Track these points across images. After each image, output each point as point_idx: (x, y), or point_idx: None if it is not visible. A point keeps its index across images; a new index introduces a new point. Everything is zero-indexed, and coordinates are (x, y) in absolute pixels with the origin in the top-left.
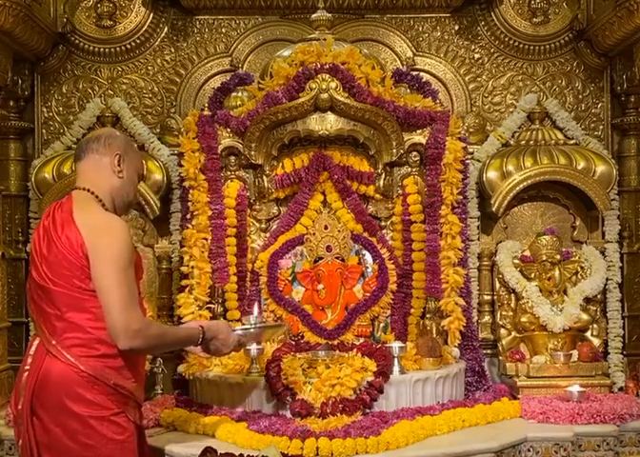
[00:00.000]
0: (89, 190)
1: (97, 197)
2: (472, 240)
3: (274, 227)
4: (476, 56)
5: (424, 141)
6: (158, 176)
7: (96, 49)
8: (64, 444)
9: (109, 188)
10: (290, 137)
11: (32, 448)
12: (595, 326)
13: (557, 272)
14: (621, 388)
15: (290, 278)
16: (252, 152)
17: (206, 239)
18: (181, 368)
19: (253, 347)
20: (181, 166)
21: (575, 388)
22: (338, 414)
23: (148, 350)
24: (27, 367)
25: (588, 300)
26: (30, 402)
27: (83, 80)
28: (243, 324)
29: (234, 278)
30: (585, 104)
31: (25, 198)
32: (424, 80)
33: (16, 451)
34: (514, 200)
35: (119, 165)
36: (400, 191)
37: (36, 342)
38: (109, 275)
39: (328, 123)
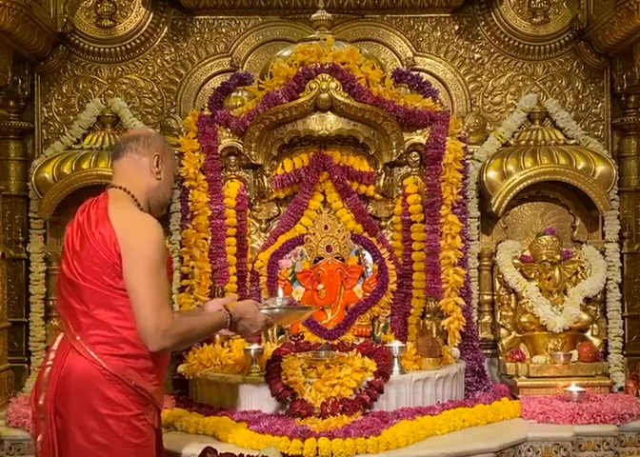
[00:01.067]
0: (125, 190)
1: (133, 196)
2: (472, 240)
3: (274, 227)
4: (476, 56)
5: (424, 141)
6: None
7: (96, 49)
8: (79, 442)
9: (145, 188)
10: (289, 137)
11: (54, 445)
12: (595, 326)
13: (557, 272)
14: (621, 388)
15: (290, 278)
16: (252, 152)
17: (206, 239)
18: (181, 368)
19: (253, 347)
20: (181, 166)
21: (575, 388)
22: (338, 414)
23: (178, 346)
24: (49, 363)
25: (588, 300)
26: (53, 398)
27: (83, 80)
28: (268, 305)
29: (234, 278)
30: (585, 104)
31: (25, 198)
32: (424, 80)
33: (16, 451)
34: (514, 200)
35: (157, 166)
36: (400, 191)
37: (60, 337)
38: (141, 276)
39: (328, 123)
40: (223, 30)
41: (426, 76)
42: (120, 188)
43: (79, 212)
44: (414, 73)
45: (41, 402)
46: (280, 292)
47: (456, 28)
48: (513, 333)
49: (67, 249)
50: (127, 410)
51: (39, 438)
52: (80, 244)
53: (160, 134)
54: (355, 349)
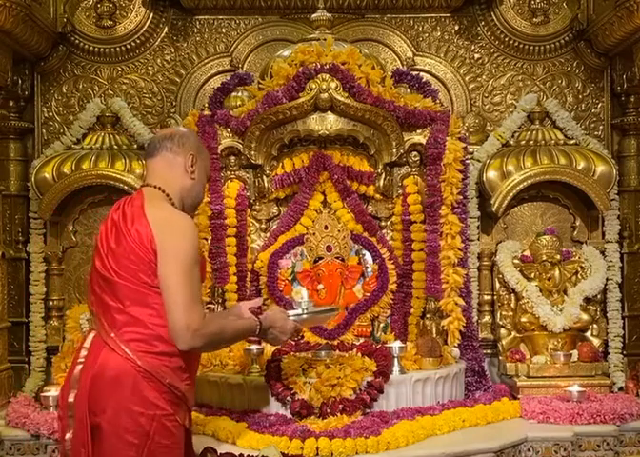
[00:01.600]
0: (159, 188)
1: (167, 195)
2: (472, 240)
3: (274, 227)
4: (476, 56)
5: (424, 141)
6: None
7: (96, 49)
8: (111, 440)
9: (179, 187)
10: (289, 137)
11: (87, 443)
12: (595, 326)
13: (557, 272)
14: (621, 388)
15: (289, 278)
16: (252, 152)
17: (206, 239)
18: None
19: (253, 347)
20: None
21: (575, 388)
22: (338, 414)
23: (207, 348)
24: (80, 360)
25: (588, 300)
26: (86, 395)
27: (83, 80)
28: (294, 308)
29: (234, 278)
30: (585, 104)
31: (25, 198)
32: (424, 80)
33: (16, 451)
34: (514, 200)
35: (192, 165)
36: (400, 191)
37: (91, 335)
38: (175, 274)
39: (328, 123)
40: (223, 30)
41: (426, 76)
42: (155, 186)
43: (113, 210)
44: (414, 73)
45: (71, 399)
46: (304, 294)
47: (456, 28)
48: (513, 333)
49: (100, 246)
50: (159, 409)
51: (68, 436)
52: (116, 241)
53: (192, 133)
54: (355, 349)
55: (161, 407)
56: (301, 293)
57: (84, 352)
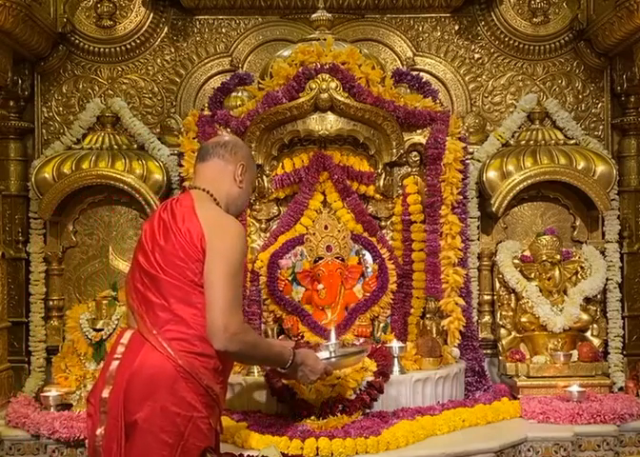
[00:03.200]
0: (208, 192)
1: (215, 199)
2: (472, 240)
3: (274, 227)
4: (476, 56)
5: (424, 141)
6: (158, 176)
7: (96, 49)
8: (146, 439)
9: (226, 194)
10: (289, 137)
11: (120, 439)
12: (595, 326)
13: (557, 272)
14: (621, 388)
15: (289, 278)
16: (252, 152)
17: None
18: None
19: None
20: (181, 166)
21: (575, 388)
22: (338, 414)
23: (240, 356)
24: (117, 356)
25: (588, 300)
26: (122, 391)
27: (83, 80)
28: (323, 348)
29: None
30: (585, 104)
31: (25, 198)
32: (424, 80)
33: (16, 451)
34: (514, 200)
35: (241, 174)
36: (400, 191)
37: (128, 332)
38: (220, 274)
39: (328, 123)
40: (223, 30)
41: (426, 76)
42: (203, 190)
43: (161, 209)
44: (414, 73)
45: (105, 395)
46: (333, 337)
47: (456, 28)
48: (513, 333)
49: (146, 243)
50: (195, 411)
51: (99, 431)
52: (165, 238)
53: (245, 144)
54: None
55: (197, 408)
56: (331, 335)
57: (121, 349)
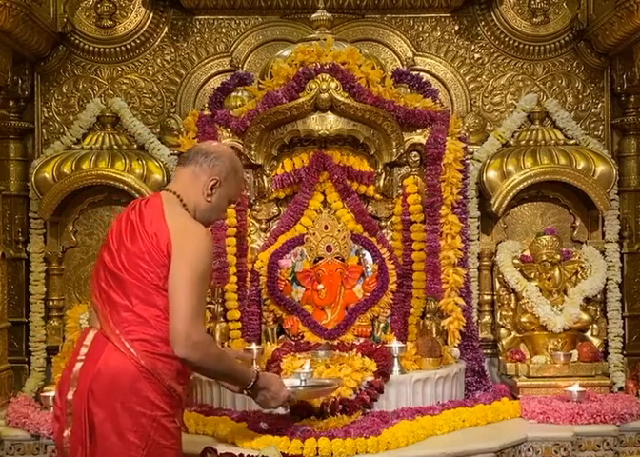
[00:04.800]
0: (178, 196)
1: (185, 205)
2: (472, 240)
3: (274, 227)
4: (476, 56)
5: (424, 141)
6: (158, 176)
7: (96, 49)
8: (111, 440)
9: (194, 203)
10: (289, 137)
11: (85, 440)
12: (595, 326)
13: (557, 272)
14: (621, 388)
15: (290, 278)
16: (252, 152)
17: None
18: None
19: (253, 347)
20: None
21: (575, 388)
22: (338, 414)
23: (200, 366)
24: (80, 357)
25: (588, 300)
26: (85, 392)
27: (83, 80)
28: (294, 375)
29: (234, 278)
30: (585, 104)
31: (25, 198)
32: (424, 80)
33: (16, 451)
34: (514, 200)
35: (211, 189)
36: (400, 191)
37: (92, 332)
38: (184, 280)
39: (328, 123)
40: (223, 30)
41: (426, 76)
42: (174, 193)
43: (129, 209)
44: (414, 73)
45: (70, 397)
46: (307, 367)
47: (456, 28)
48: (513, 333)
49: (112, 243)
50: (159, 410)
51: (66, 433)
52: (131, 240)
53: (233, 159)
54: (355, 349)
55: (162, 408)
56: (305, 365)
57: (84, 350)
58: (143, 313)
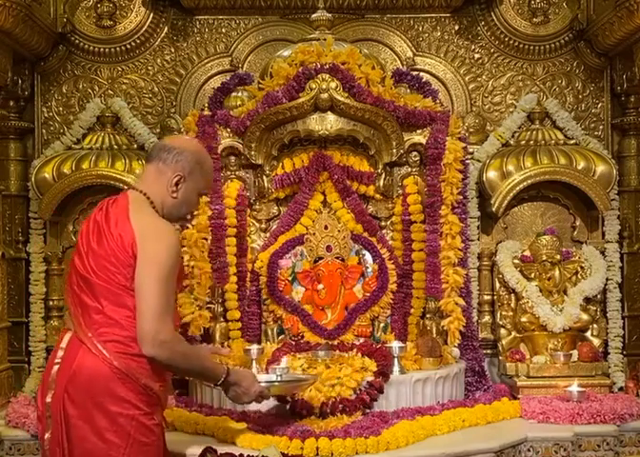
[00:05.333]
0: (145, 194)
1: (152, 203)
2: (472, 240)
3: (274, 227)
4: (476, 56)
5: (424, 141)
6: None
7: (96, 49)
8: (91, 440)
9: (161, 200)
10: (289, 137)
11: (63, 443)
12: (595, 326)
13: (557, 272)
14: (621, 388)
15: (290, 278)
16: (252, 152)
17: (206, 239)
18: None
19: (253, 347)
20: None
21: (575, 388)
22: (338, 414)
23: (169, 365)
24: (57, 361)
25: (588, 300)
26: (62, 395)
27: (83, 80)
28: (271, 371)
29: (234, 278)
30: (585, 104)
31: (25, 198)
32: (424, 80)
33: (16, 451)
34: (514, 200)
35: (176, 185)
36: (400, 191)
37: (67, 335)
38: (150, 280)
39: (328, 123)
40: (223, 30)
41: (426, 76)
42: (141, 191)
43: (96, 210)
44: (414, 73)
45: (48, 400)
46: (284, 362)
47: (456, 28)
48: (513, 333)
49: (81, 246)
50: (136, 409)
51: (47, 436)
52: (97, 242)
53: (197, 151)
54: (355, 349)
55: (139, 406)
56: (282, 360)
57: (60, 353)
58: (114, 315)
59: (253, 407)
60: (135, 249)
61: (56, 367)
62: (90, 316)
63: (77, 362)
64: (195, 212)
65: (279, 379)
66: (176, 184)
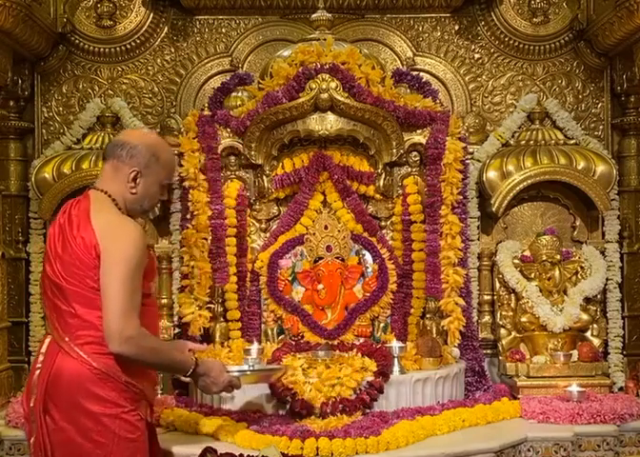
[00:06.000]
0: (106, 192)
1: (114, 200)
2: (472, 240)
3: (274, 227)
4: (476, 56)
5: (424, 141)
6: None
7: (96, 49)
8: (76, 442)
9: (122, 196)
10: (289, 137)
11: (45, 446)
12: (595, 326)
13: (557, 272)
14: (621, 388)
15: (290, 278)
16: (252, 152)
17: (206, 239)
18: None
19: (254, 347)
20: (181, 166)
21: (575, 388)
22: (338, 414)
23: (137, 360)
24: (38, 366)
25: (588, 300)
26: (42, 400)
27: (83, 80)
28: (245, 359)
29: (234, 278)
30: (585, 104)
31: (25, 198)
32: (424, 80)
33: (16, 451)
34: (514, 200)
35: (134, 180)
36: (400, 191)
37: (48, 340)
38: (113, 277)
39: (328, 123)
40: (223, 30)
41: (426, 76)
42: (101, 190)
43: (60, 214)
44: (414, 73)
45: (32, 404)
46: (254, 351)
47: (456, 28)
48: (513, 333)
49: (50, 251)
50: (118, 407)
51: (32, 440)
52: (62, 247)
53: (152, 144)
54: (355, 349)
55: (121, 404)
56: (251, 350)
57: (41, 358)
58: (87, 317)
59: (254, 406)
60: (98, 250)
61: (37, 373)
62: (66, 320)
63: (56, 366)
64: (195, 212)
65: (251, 369)
66: (134, 179)
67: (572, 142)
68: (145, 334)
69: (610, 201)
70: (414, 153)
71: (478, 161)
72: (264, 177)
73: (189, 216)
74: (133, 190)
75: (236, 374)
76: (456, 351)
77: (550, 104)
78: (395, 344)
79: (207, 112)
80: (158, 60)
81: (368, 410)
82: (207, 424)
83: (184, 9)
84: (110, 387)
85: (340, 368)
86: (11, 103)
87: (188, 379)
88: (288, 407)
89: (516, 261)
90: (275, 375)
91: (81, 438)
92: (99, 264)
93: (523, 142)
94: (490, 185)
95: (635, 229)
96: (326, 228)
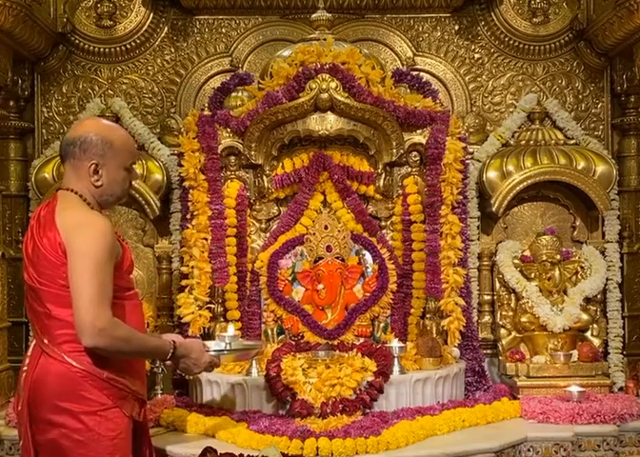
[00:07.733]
0: (72, 190)
1: (81, 196)
2: (472, 240)
3: (274, 227)
4: (476, 56)
5: (424, 141)
6: (158, 176)
7: (96, 49)
8: (59, 443)
9: (88, 191)
10: (289, 137)
11: (30, 449)
12: (595, 326)
13: (557, 272)
14: (621, 388)
15: (290, 278)
16: (252, 152)
17: (206, 239)
18: None
19: (230, 327)
20: (181, 166)
21: (575, 388)
22: (338, 414)
23: (112, 352)
24: (24, 368)
25: (588, 300)
26: (27, 403)
27: (83, 80)
28: (219, 339)
29: (234, 278)
30: (585, 104)
31: (25, 198)
32: (424, 80)
33: (16, 451)
34: (514, 200)
35: (95, 173)
36: (400, 191)
37: (32, 343)
38: (80, 271)
39: (328, 123)
40: (223, 30)
41: (426, 76)
42: (68, 189)
43: (32, 217)
44: (414, 73)
45: (19, 407)
46: (230, 330)
47: (456, 28)
48: (513, 333)
49: (24, 256)
50: (98, 404)
51: (21, 443)
52: (32, 249)
53: (101, 131)
54: (355, 349)
55: (101, 401)
56: (228, 329)
57: (27, 361)
58: (62, 316)
59: (254, 406)
60: (63, 247)
61: (23, 376)
62: (43, 322)
63: (38, 368)
64: (195, 212)
65: (228, 347)
66: (95, 172)
67: (572, 142)
68: (117, 324)
69: (610, 201)
70: (414, 153)
71: (478, 161)
72: (264, 177)
73: (189, 216)
74: (98, 183)
75: (214, 354)
76: (456, 351)
77: (550, 104)
78: (395, 344)
79: (207, 112)
80: (158, 60)
81: (368, 410)
82: (207, 424)
83: (184, 9)
84: (92, 385)
85: (340, 368)
86: (11, 103)
87: (169, 362)
88: (288, 407)
89: (516, 261)
90: (253, 353)
91: (63, 439)
92: (66, 261)
93: (523, 142)
94: (489, 185)
95: (635, 229)
96: (326, 228)
